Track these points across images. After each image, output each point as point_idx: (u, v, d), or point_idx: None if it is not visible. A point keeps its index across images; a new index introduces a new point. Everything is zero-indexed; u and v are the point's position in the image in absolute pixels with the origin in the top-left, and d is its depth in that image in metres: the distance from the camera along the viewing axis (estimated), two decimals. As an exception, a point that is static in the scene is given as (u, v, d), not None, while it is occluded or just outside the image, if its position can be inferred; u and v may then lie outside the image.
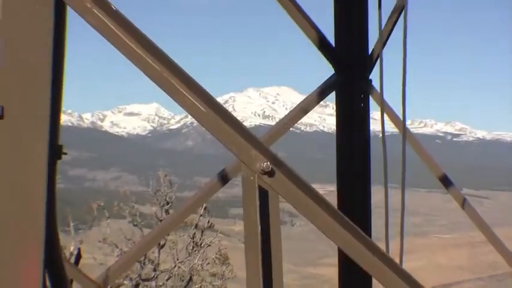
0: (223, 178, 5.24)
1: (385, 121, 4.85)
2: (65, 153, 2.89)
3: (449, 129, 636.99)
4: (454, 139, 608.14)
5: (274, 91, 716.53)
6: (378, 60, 4.99)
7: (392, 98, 5.36)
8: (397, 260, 2.73)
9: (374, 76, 5.43)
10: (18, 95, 2.32)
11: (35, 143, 2.31)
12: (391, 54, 5.17)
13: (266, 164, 2.48)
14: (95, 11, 2.36)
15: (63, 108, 3.07)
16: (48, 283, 2.74)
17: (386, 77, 4.73)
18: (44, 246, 2.30)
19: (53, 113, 2.36)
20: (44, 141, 2.32)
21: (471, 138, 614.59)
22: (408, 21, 4.63)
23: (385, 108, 5.42)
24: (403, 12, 4.70)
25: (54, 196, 2.44)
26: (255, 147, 2.51)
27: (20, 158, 2.31)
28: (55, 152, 2.63)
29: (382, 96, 5.06)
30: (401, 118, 5.36)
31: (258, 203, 2.51)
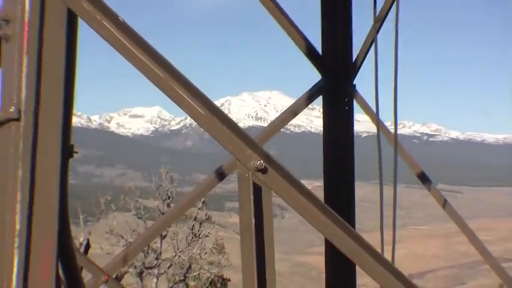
0: (220, 175, 5.25)
1: (379, 123, 4.88)
2: (76, 152, 2.89)
3: (425, 130, 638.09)
4: (430, 139, 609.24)
5: (266, 95, 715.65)
6: (373, 64, 5.01)
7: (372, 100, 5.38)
8: (389, 251, 2.75)
9: (358, 81, 5.46)
10: (34, 99, 2.32)
11: (49, 143, 2.32)
12: (371, 59, 5.22)
13: (260, 162, 2.49)
14: (105, 23, 2.37)
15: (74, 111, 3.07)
16: (60, 270, 2.75)
17: (368, 80, 4.76)
18: (57, 237, 2.31)
19: (65, 115, 2.36)
20: (57, 141, 2.32)
21: (446, 138, 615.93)
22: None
23: (369, 112, 5.45)
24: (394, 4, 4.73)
25: (66, 191, 2.44)
26: (250, 146, 2.52)
27: (37, 156, 2.32)
28: (67, 151, 2.62)
29: (378, 109, 5.08)
30: (384, 122, 5.38)
31: (252, 197, 2.52)
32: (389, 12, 5.23)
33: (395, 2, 4.94)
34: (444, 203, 5.78)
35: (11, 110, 2.30)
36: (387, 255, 3.97)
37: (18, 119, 2.30)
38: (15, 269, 2.30)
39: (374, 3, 5.03)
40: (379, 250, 2.70)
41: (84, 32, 2.49)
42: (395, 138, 5.01)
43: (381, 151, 4.83)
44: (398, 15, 4.64)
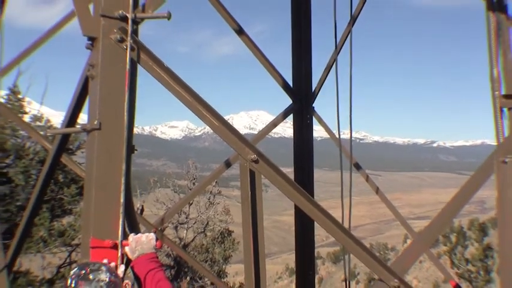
0: (227, 164, 5.23)
1: (340, 128, 4.85)
2: (136, 150, 2.87)
3: (358, 135, 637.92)
4: (361, 142, 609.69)
5: (256, 113, 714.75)
6: (328, 93, 5.01)
7: (323, 114, 5.41)
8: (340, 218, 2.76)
9: (316, 105, 5.45)
10: (109, 115, 2.32)
11: (119, 144, 2.31)
12: (324, 90, 5.26)
13: (254, 156, 2.50)
14: (154, 67, 2.38)
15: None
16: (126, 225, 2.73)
17: (322, 102, 4.78)
18: (125, 204, 2.30)
19: (129, 126, 2.36)
20: (124, 143, 2.32)
21: (370, 141, 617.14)
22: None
23: (323, 125, 5.45)
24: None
25: (129, 174, 2.44)
26: (247, 146, 2.53)
27: (111, 152, 2.31)
28: (130, 149, 2.61)
29: (338, 126, 5.06)
30: (333, 130, 5.38)
31: (249, 179, 2.53)
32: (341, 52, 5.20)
33: (341, 51, 4.96)
34: (370, 182, 5.80)
35: (95, 122, 2.30)
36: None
37: (99, 129, 2.30)
38: (100, 223, 2.29)
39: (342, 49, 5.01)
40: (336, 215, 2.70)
41: (142, 74, 2.44)
42: (339, 142, 5.01)
43: (341, 153, 4.81)
44: (352, 58, 4.61)
